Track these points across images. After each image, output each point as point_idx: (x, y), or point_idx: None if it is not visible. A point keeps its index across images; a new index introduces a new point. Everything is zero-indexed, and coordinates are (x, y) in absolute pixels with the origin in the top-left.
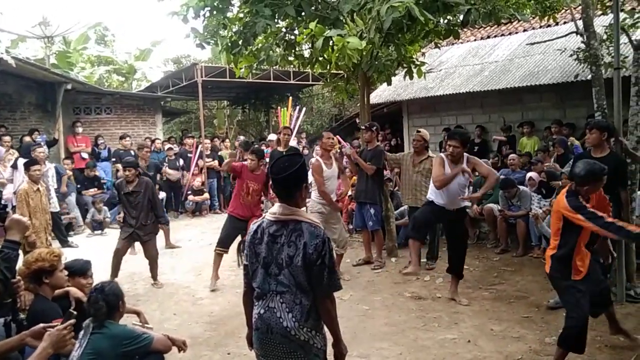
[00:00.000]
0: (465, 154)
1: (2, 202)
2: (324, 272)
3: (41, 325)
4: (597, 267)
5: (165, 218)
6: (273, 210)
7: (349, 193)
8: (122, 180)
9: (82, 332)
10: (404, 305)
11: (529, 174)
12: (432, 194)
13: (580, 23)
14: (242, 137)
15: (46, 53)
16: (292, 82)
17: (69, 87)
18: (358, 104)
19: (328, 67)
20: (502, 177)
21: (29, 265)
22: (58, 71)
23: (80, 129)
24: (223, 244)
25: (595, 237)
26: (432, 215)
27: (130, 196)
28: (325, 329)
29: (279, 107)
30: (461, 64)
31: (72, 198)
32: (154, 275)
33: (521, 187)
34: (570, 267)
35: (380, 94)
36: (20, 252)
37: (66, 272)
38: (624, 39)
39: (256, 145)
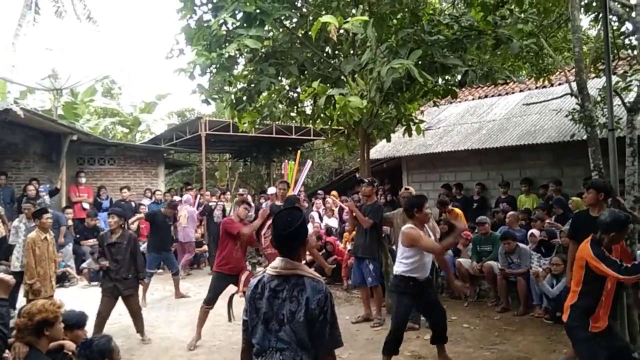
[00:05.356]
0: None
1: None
2: (325, 328)
3: None
4: (615, 323)
5: (176, 268)
6: (274, 264)
7: (348, 247)
8: (107, 231)
9: None
10: None
11: (531, 231)
12: (411, 268)
13: (574, 85)
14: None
15: (54, 104)
16: (293, 136)
17: (75, 137)
18: (358, 159)
19: (329, 124)
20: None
21: (32, 317)
22: (64, 122)
23: (83, 179)
24: (211, 302)
25: (620, 290)
26: (409, 305)
27: (112, 247)
28: None
29: (286, 161)
30: (459, 122)
31: (69, 248)
32: (140, 331)
33: (521, 245)
34: (589, 318)
35: (380, 150)
36: (25, 299)
37: (62, 325)
38: (617, 101)
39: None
